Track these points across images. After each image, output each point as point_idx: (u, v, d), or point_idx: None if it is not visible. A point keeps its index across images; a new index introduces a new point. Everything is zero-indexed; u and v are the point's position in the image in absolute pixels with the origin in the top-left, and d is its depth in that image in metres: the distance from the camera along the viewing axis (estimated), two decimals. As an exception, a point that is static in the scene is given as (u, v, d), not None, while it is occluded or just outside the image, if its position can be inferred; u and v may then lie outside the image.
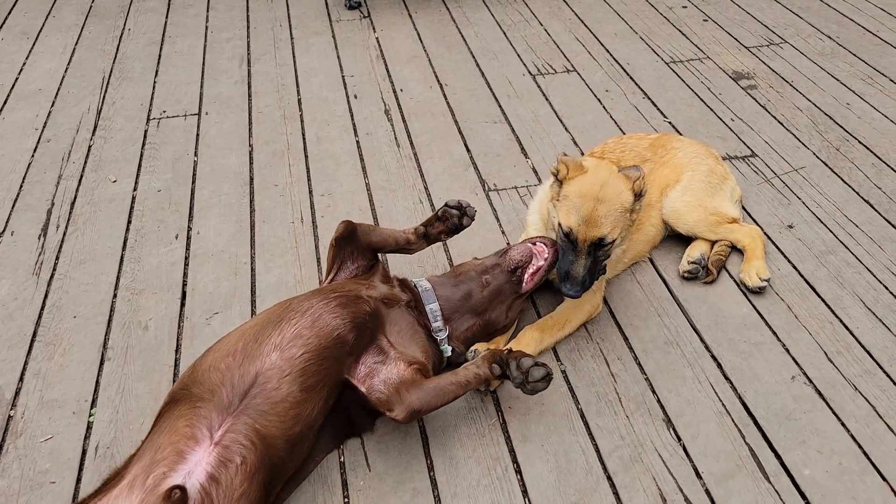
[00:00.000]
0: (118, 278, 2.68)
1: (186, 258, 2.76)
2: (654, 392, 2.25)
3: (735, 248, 2.69)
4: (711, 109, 3.60)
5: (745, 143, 3.34)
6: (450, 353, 2.22)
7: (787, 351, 2.36)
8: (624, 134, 3.39)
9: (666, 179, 2.66)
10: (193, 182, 3.16)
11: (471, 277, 2.29)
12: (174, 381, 2.28)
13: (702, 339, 2.41)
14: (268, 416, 1.76)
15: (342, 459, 2.07)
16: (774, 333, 2.42)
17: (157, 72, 4.02)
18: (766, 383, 2.26)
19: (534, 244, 2.33)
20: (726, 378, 2.28)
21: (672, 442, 2.10)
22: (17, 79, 3.95)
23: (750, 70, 3.92)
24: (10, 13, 4.63)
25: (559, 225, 2.21)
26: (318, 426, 1.93)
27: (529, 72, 3.95)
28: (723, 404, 2.20)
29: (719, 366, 2.32)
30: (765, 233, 2.80)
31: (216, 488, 1.63)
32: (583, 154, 3.28)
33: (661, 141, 2.75)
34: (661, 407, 2.20)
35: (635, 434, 2.13)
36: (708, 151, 2.77)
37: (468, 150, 3.34)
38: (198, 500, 1.61)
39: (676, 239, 2.74)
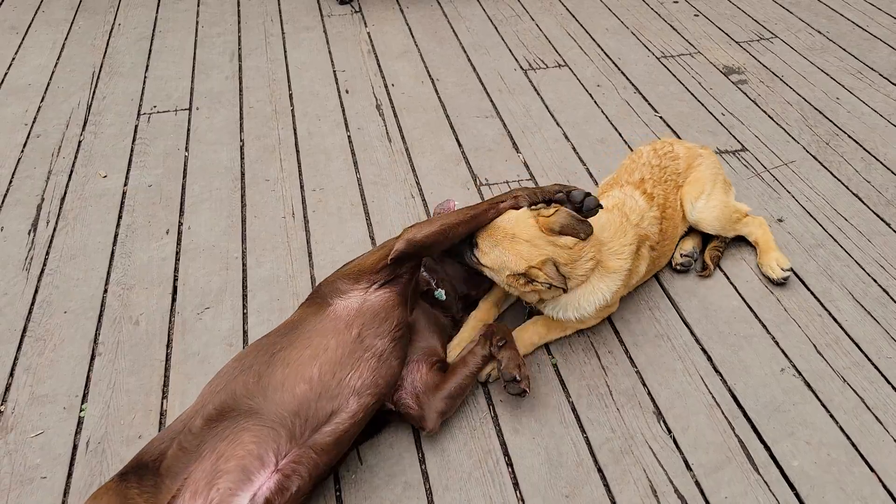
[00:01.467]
0: (109, 273, 2.67)
1: (177, 253, 2.76)
2: (644, 385, 2.26)
3: (730, 241, 2.71)
4: (702, 104, 3.61)
5: (735, 138, 3.36)
6: (444, 298, 2.31)
7: (777, 343, 2.38)
8: (615, 128, 3.41)
9: (689, 196, 2.61)
10: (184, 177, 3.15)
11: None
12: (165, 374, 2.29)
13: (692, 332, 2.42)
14: (329, 452, 1.80)
15: (334, 453, 2.07)
16: (764, 326, 2.44)
17: (147, 67, 4.00)
18: (755, 375, 2.28)
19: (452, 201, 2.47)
20: (716, 370, 2.30)
21: (662, 434, 2.12)
22: (6, 74, 3.93)
23: (740, 65, 3.93)
24: (-2, 8, 4.61)
25: None
26: None
27: (521, 67, 3.95)
28: (713, 396, 2.22)
29: (709, 358, 2.34)
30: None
31: None
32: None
33: (690, 160, 2.67)
34: (652, 399, 2.21)
35: (626, 426, 2.14)
36: (715, 156, 2.75)
37: (460, 144, 3.35)
38: None
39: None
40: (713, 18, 4.41)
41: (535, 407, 2.19)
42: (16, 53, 4.13)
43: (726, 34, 4.24)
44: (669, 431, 2.12)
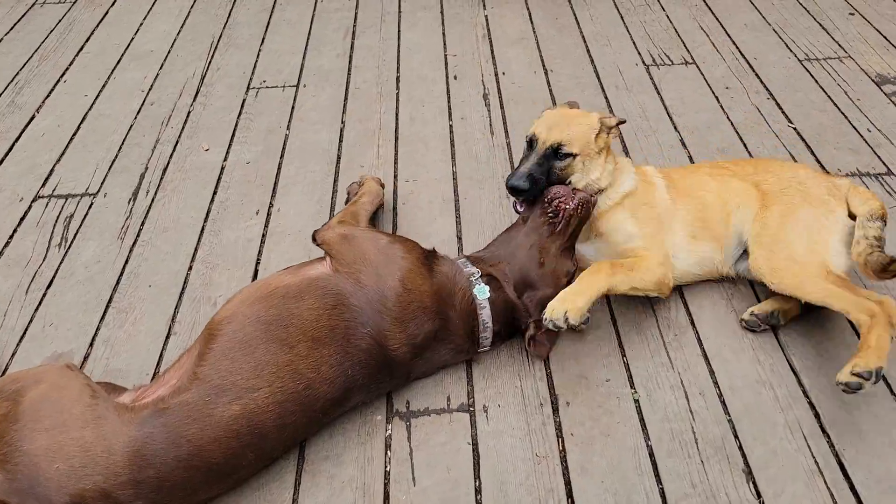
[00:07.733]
0: (196, 250, 2.68)
1: (263, 235, 2.73)
2: (736, 437, 2.02)
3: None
4: (845, 116, 3.21)
5: (880, 159, 2.96)
6: (488, 295, 2.11)
7: (901, 408, 2.07)
8: (740, 137, 3.10)
9: None
10: (282, 157, 3.13)
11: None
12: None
13: (800, 382, 2.15)
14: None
15: (388, 469, 1.98)
16: (888, 386, 2.12)
17: (263, 39, 4.01)
18: (870, 443, 1.98)
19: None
20: (823, 431, 2.02)
21: (750, 498, 1.88)
22: (132, 39, 4.06)
23: (897, 74, 3.48)
24: (135, -27, 4.76)
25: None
26: None
27: (643, 61, 3.67)
28: (815, 461, 1.95)
29: (817, 416, 2.06)
30: None
31: None
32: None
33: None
34: (743, 455, 1.97)
35: (709, 483, 1.92)
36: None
37: (566, 143, 3.14)
38: None
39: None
40: (871, 18, 3.92)
41: (609, 447, 2.00)
42: (144, 19, 4.25)
43: (885, 38, 3.76)
44: (759, 496, 1.88)
